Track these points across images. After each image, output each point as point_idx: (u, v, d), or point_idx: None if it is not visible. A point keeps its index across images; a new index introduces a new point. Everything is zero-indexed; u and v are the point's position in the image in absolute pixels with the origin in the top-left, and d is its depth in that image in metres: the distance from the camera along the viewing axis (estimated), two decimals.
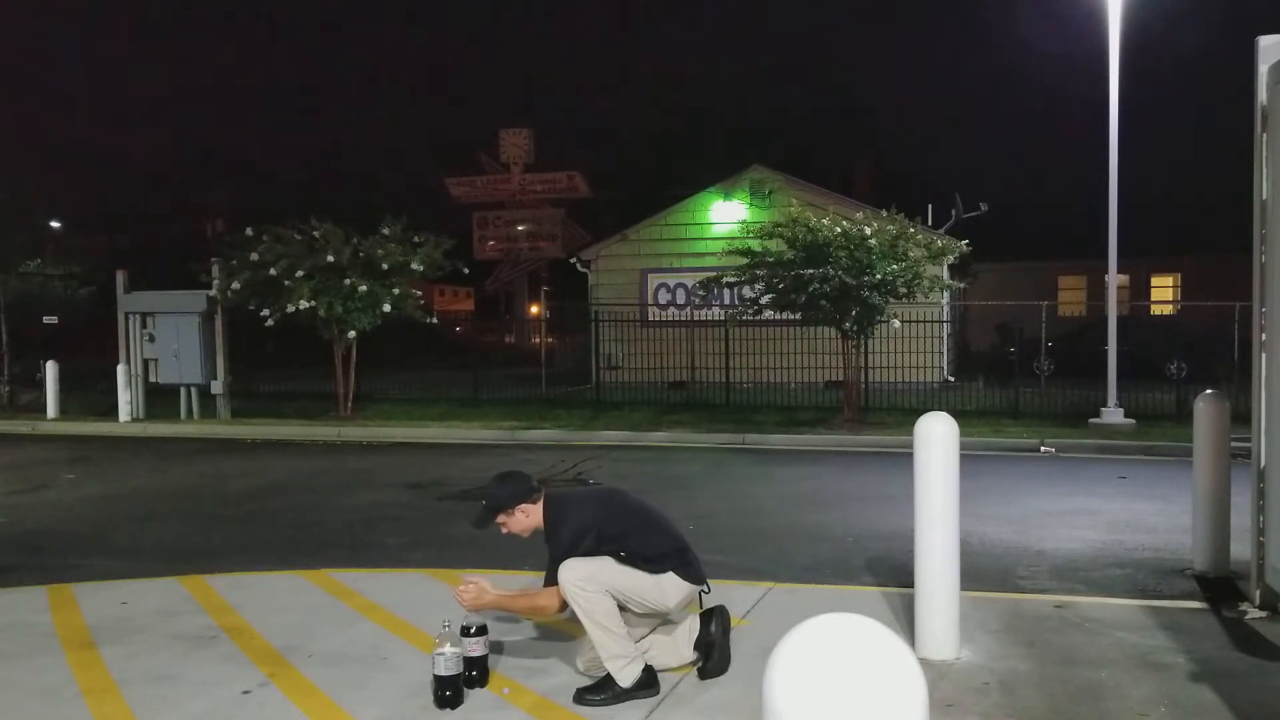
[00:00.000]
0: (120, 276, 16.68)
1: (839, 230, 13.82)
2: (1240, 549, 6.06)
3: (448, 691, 4.19)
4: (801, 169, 24.96)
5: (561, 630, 5.12)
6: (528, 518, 4.51)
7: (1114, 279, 15.22)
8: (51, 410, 16.76)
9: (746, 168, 22.83)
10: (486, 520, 4.56)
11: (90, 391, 18.83)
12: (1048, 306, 18.73)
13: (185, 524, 8.64)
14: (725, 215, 22.21)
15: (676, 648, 4.60)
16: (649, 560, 4.39)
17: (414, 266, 15.77)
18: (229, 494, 10.10)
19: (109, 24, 75.70)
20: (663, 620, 4.61)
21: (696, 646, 4.57)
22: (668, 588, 4.41)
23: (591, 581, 4.28)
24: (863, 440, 13.46)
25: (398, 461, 12.33)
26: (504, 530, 4.56)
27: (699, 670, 4.53)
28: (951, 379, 20.66)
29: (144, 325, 16.43)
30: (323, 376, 17.33)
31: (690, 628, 4.63)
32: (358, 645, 5.00)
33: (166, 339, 16.23)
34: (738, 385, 17.74)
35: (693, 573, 4.49)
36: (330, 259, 15.20)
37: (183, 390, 16.30)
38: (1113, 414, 14.30)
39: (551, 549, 4.44)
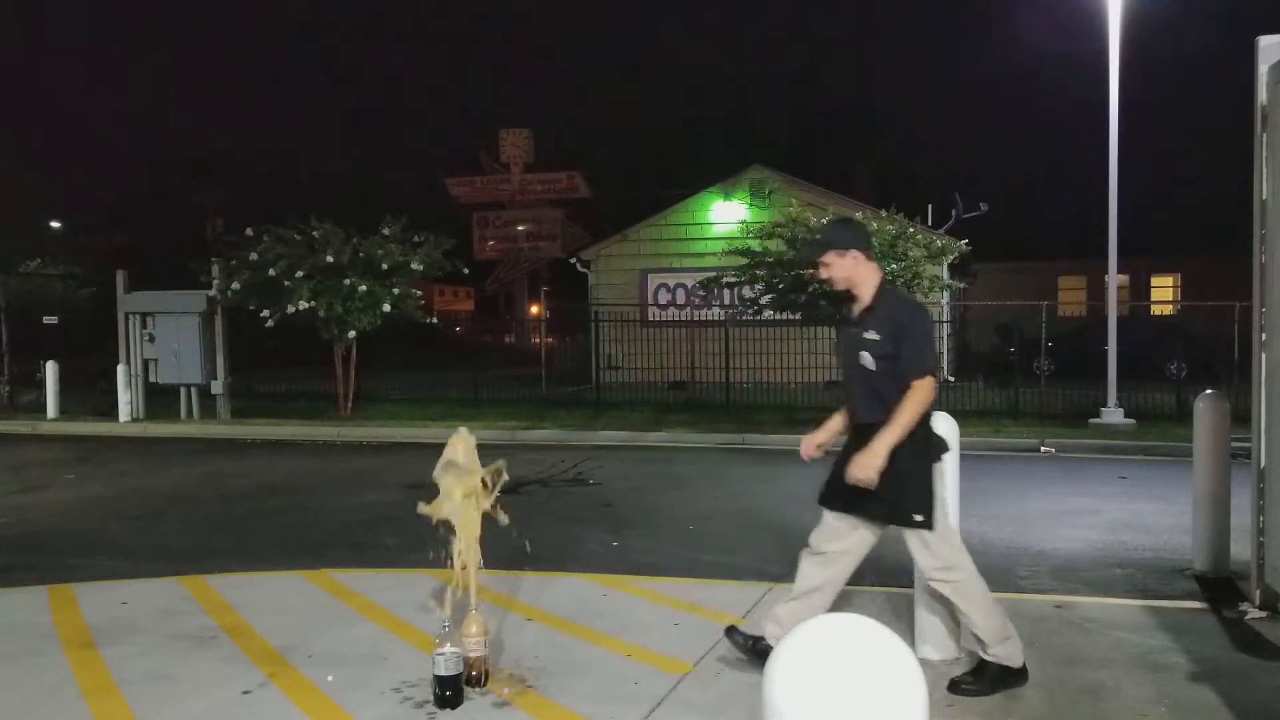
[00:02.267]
0: (120, 276, 16.68)
1: None
2: (1240, 549, 6.06)
3: (448, 691, 4.19)
4: (801, 169, 24.99)
5: (563, 631, 5.13)
6: (856, 267, 4.33)
7: (1114, 279, 15.22)
8: (51, 410, 16.75)
9: (746, 168, 22.84)
10: (816, 253, 4.41)
11: (90, 391, 18.82)
12: (1048, 306, 18.74)
13: (185, 524, 8.64)
14: (725, 215, 22.22)
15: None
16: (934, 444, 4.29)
17: (414, 266, 15.78)
18: (229, 494, 10.10)
19: (110, 23, 75.69)
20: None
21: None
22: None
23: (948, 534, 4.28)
24: None
25: (398, 461, 12.33)
26: (823, 273, 4.40)
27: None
28: (951, 379, 20.65)
29: (144, 325, 16.42)
30: (323, 376, 17.33)
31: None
32: (358, 645, 5.00)
33: (166, 339, 16.22)
34: (738, 385, 17.74)
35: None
36: (330, 259, 15.20)
37: (183, 390, 16.30)
38: (1113, 414, 14.30)
39: (909, 345, 4.20)
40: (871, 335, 4.26)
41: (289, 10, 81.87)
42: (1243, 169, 5.74)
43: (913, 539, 4.29)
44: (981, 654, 4.34)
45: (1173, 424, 13.89)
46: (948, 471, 4.64)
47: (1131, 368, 15.47)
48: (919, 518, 4.18)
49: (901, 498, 4.19)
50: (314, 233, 15.65)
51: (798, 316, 14.97)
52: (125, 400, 16.28)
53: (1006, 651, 4.29)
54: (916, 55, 71.88)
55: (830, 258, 4.35)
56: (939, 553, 4.26)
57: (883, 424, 4.16)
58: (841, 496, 4.32)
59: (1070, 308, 30.72)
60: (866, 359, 4.26)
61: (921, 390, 4.14)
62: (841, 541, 4.40)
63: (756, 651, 4.46)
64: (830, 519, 4.43)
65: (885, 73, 70.46)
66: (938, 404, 4.38)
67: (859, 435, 4.32)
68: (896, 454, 4.13)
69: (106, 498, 9.91)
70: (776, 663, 1.93)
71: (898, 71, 69.68)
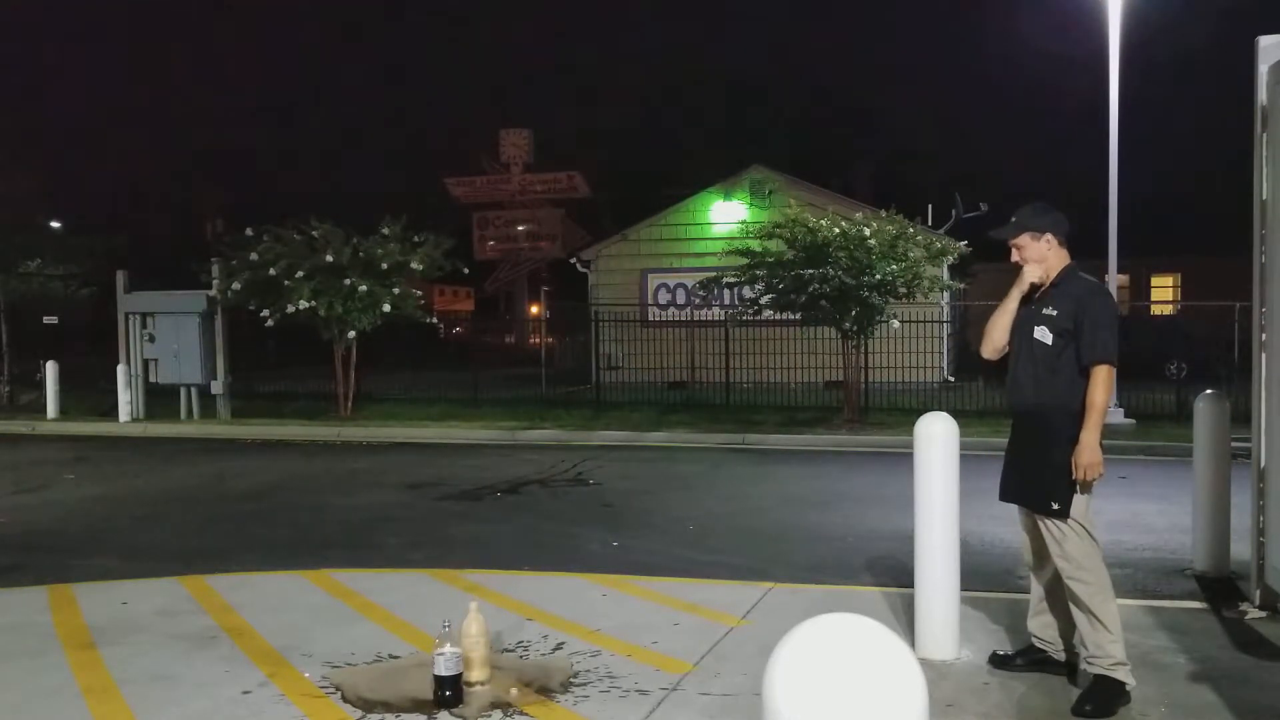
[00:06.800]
0: (120, 276, 16.67)
1: (838, 230, 13.83)
2: (1240, 549, 6.06)
3: (448, 691, 4.19)
4: (801, 169, 24.95)
5: (563, 631, 5.13)
6: (1049, 252, 4.36)
7: (1114, 279, 15.21)
8: (51, 410, 16.75)
9: (746, 168, 22.83)
10: (1013, 233, 4.43)
11: (90, 391, 18.81)
12: None
13: (185, 524, 8.64)
14: (725, 215, 22.22)
15: None
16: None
17: (414, 266, 15.78)
18: (229, 494, 10.10)
19: (110, 23, 75.69)
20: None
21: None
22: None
23: (1090, 548, 4.18)
24: (863, 440, 13.45)
25: (398, 461, 12.32)
26: (1015, 255, 4.43)
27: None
28: (951, 379, 20.65)
29: (144, 325, 16.42)
30: (323, 376, 17.33)
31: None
32: (358, 645, 5.00)
33: (166, 339, 16.22)
34: (738, 385, 17.74)
35: None
36: (330, 259, 15.19)
37: (183, 390, 16.30)
38: (1113, 414, 14.30)
39: (1089, 327, 4.23)
40: (1049, 311, 4.30)
41: (289, 10, 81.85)
42: (1242, 169, 5.73)
43: (1047, 531, 4.26)
44: (1086, 667, 4.24)
45: (1173, 424, 13.88)
46: (950, 471, 4.65)
47: (1131, 368, 15.46)
48: (1055, 505, 4.19)
49: (1042, 484, 4.23)
50: (314, 233, 15.65)
51: (798, 316, 14.97)
52: (125, 400, 16.27)
53: (1110, 665, 4.16)
54: (917, 55, 71.84)
55: (1025, 240, 4.40)
56: (1069, 550, 4.19)
57: (1046, 408, 4.23)
58: (1011, 488, 4.46)
59: None
60: (1043, 333, 4.28)
61: (1103, 375, 4.19)
62: (1034, 539, 4.43)
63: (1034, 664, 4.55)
64: (1020, 521, 4.53)
65: (885, 72, 70.39)
66: (937, 404, 4.38)
67: (1021, 420, 4.39)
68: (1049, 441, 4.20)
69: (106, 498, 9.91)
70: (776, 663, 1.93)
71: (898, 71, 69.60)
